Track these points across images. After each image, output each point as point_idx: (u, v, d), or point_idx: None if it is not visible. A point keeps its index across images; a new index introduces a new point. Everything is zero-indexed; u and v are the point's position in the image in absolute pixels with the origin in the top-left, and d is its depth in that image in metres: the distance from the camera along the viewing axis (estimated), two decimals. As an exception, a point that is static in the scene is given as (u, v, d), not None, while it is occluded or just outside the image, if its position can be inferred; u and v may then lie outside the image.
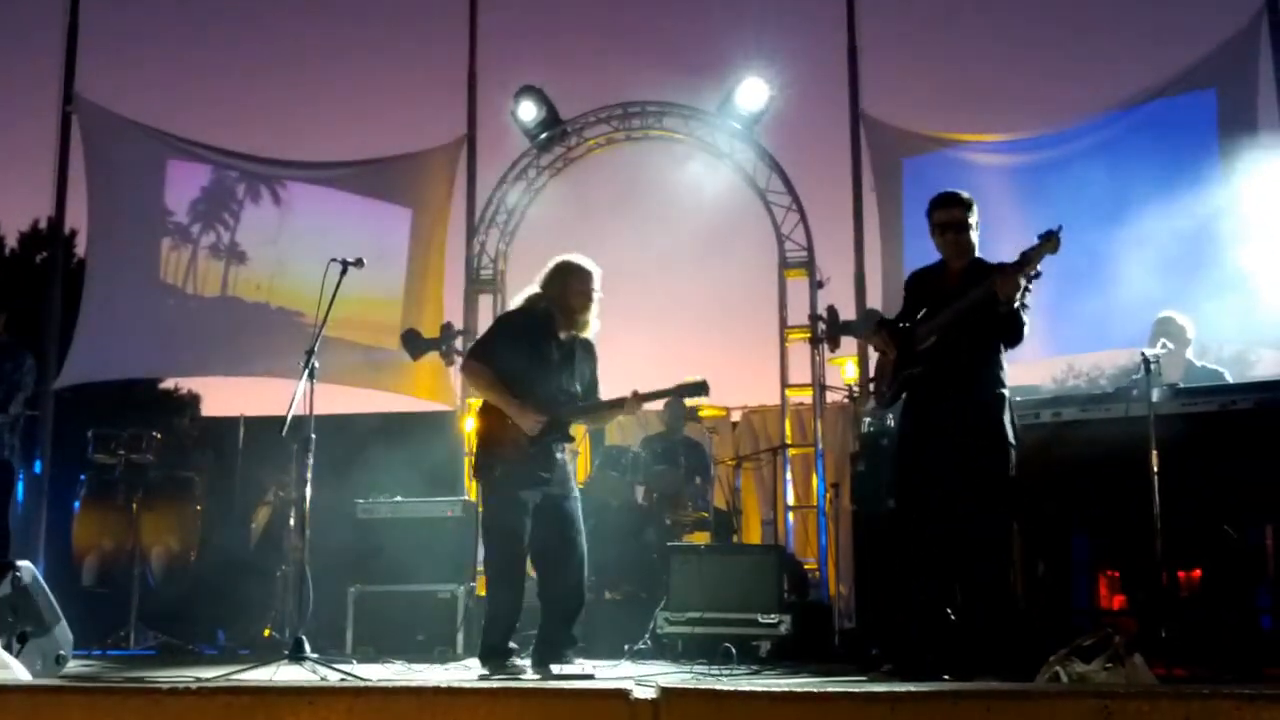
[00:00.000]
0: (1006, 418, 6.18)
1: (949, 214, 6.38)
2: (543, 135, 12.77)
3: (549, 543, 6.82)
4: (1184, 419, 6.55)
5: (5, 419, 8.76)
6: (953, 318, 6.17)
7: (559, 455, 6.87)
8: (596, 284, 6.98)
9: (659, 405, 11.68)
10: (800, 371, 12.02)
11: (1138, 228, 10.20)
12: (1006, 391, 6.26)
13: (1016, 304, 6.02)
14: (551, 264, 7.13)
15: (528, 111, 12.63)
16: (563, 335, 6.93)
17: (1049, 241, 5.93)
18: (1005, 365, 6.31)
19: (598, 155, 13.14)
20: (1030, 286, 6.15)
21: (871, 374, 7.03)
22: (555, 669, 6.57)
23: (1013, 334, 6.16)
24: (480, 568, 9.27)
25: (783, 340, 12.00)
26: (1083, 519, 6.90)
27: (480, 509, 6.96)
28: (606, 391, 7.03)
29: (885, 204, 11.65)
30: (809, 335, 11.44)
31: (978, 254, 6.41)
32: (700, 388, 6.88)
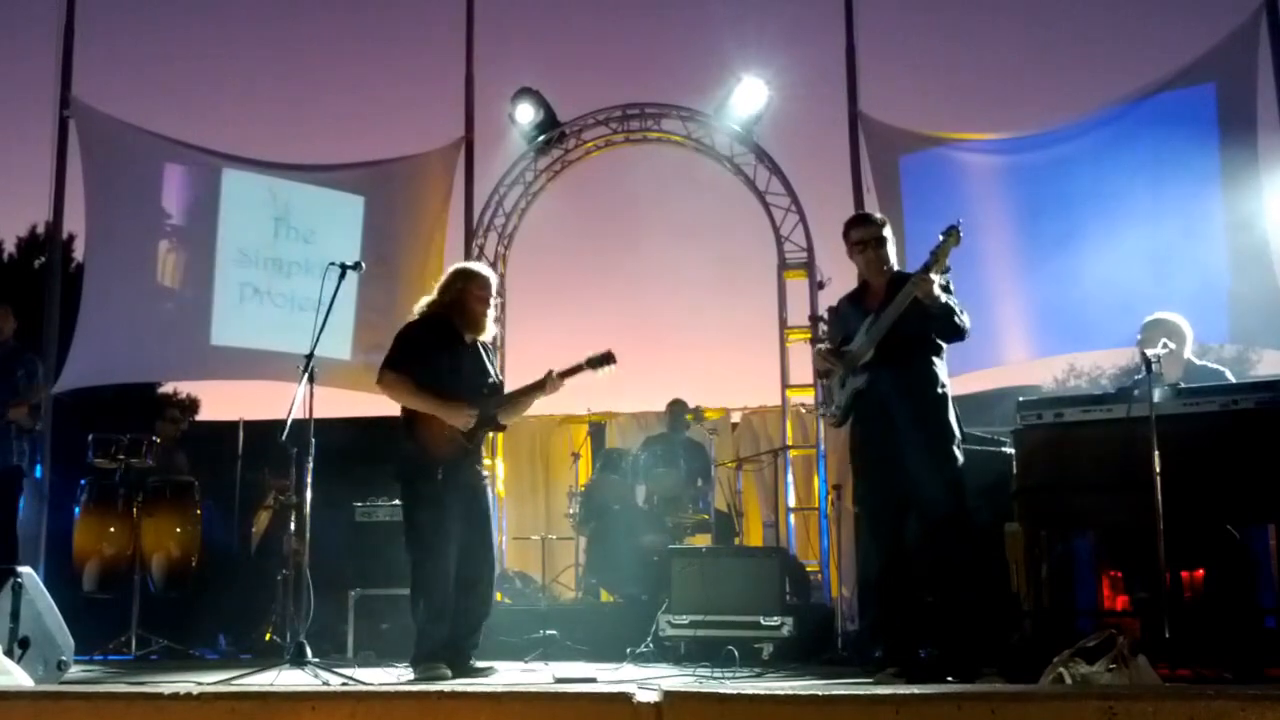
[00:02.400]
0: (950, 415, 6.57)
1: (866, 231, 6.83)
2: (541, 138, 12.78)
3: (469, 549, 6.89)
4: (1186, 419, 6.53)
5: (31, 424, 8.85)
6: (887, 325, 6.51)
7: (480, 474, 7.14)
8: (493, 289, 7.23)
9: (660, 408, 11.73)
10: (801, 372, 12.02)
11: (1136, 224, 10.20)
12: (947, 390, 6.63)
13: (943, 300, 6.42)
14: (450, 271, 7.39)
15: (526, 114, 12.63)
16: (466, 338, 7.12)
17: (950, 236, 6.38)
18: (944, 366, 6.67)
19: (596, 157, 13.16)
20: (950, 285, 6.61)
21: (819, 396, 7.30)
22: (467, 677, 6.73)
23: (949, 328, 6.55)
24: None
25: (783, 341, 11.99)
26: (1085, 520, 6.89)
27: (409, 517, 6.94)
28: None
29: (884, 203, 11.62)
30: (809, 336, 11.43)
31: (894, 265, 6.85)
32: (607, 358, 7.07)
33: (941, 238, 6.36)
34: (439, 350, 6.97)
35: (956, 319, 6.46)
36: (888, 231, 6.80)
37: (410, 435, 6.89)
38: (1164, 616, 6.03)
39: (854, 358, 6.64)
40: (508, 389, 7.22)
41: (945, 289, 6.52)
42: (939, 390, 6.57)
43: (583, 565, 10.72)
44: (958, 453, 6.50)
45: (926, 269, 6.34)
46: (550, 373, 7.04)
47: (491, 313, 7.24)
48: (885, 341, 6.50)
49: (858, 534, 8.89)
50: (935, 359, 6.61)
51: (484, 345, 7.25)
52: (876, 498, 6.64)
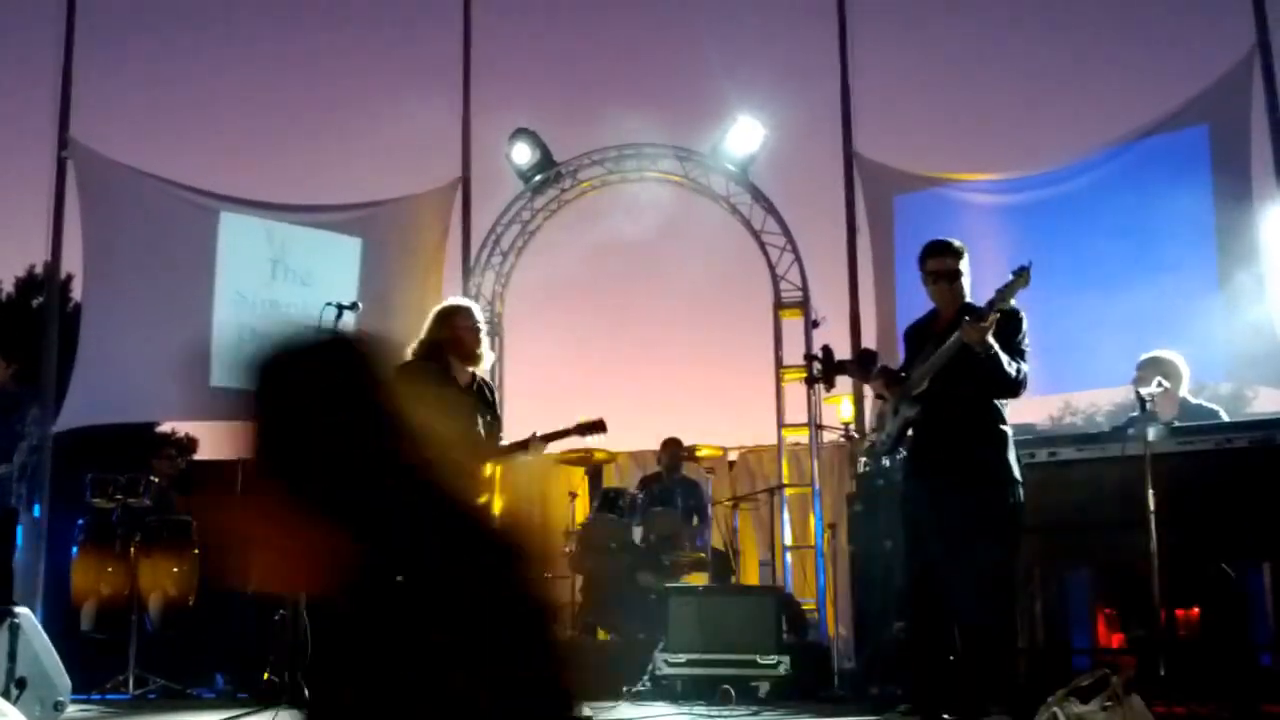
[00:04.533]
0: (1010, 455, 6.20)
1: (941, 263, 6.44)
2: (537, 177, 12.81)
3: None
4: (1180, 457, 6.55)
5: (7, 469, 8.78)
6: (939, 362, 6.21)
7: None
8: (479, 317, 7.10)
9: (655, 446, 11.73)
10: (796, 411, 12.04)
11: (1131, 264, 10.24)
12: (1007, 429, 6.26)
13: (993, 349, 6.03)
14: (431, 315, 7.24)
15: (522, 154, 12.68)
16: (462, 380, 7.00)
17: (1020, 277, 6.00)
18: (1005, 405, 6.31)
19: (592, 197, 13.19)
20: (1021, 325, 6.26)
21: (870, 422, 7.06)
22: None
23: (994, 380, 6.15)
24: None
25: (778, 380, 12.02)
26: (1080, 557, 6.90)
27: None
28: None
29: (878, 242, 11.69)
30: (804, 375, 11.44)
31: (969, 299, 6.42)
32: (597, 425, 7.09)
33: (1012, 277, 6.02)
34: (430, 399, 6.91)
35: (1003, 370, 6.08)
36: (964, 263, 6.44)
37: None
38: (1159, 654, 6.05)
39: (910, 386, 6.37)
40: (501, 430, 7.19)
41: (1014, 332, 6.24)
42: (997, 429, 6.22)
43: (579, 604, 10.70)
44: (1011, 497, 6.12)
45: (983, 313, 6.04)
46: (534, 435, 7.00)
47: (485, 340, 7.10)
48: (942, 377, 6.22)
49: (854, 572, 8.91)
50: (994, 400, 6.27)
51: (482, 384, 7.13)
52: (916, 536, 6.32)
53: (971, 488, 6.12)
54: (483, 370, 7.13)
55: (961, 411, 6.24)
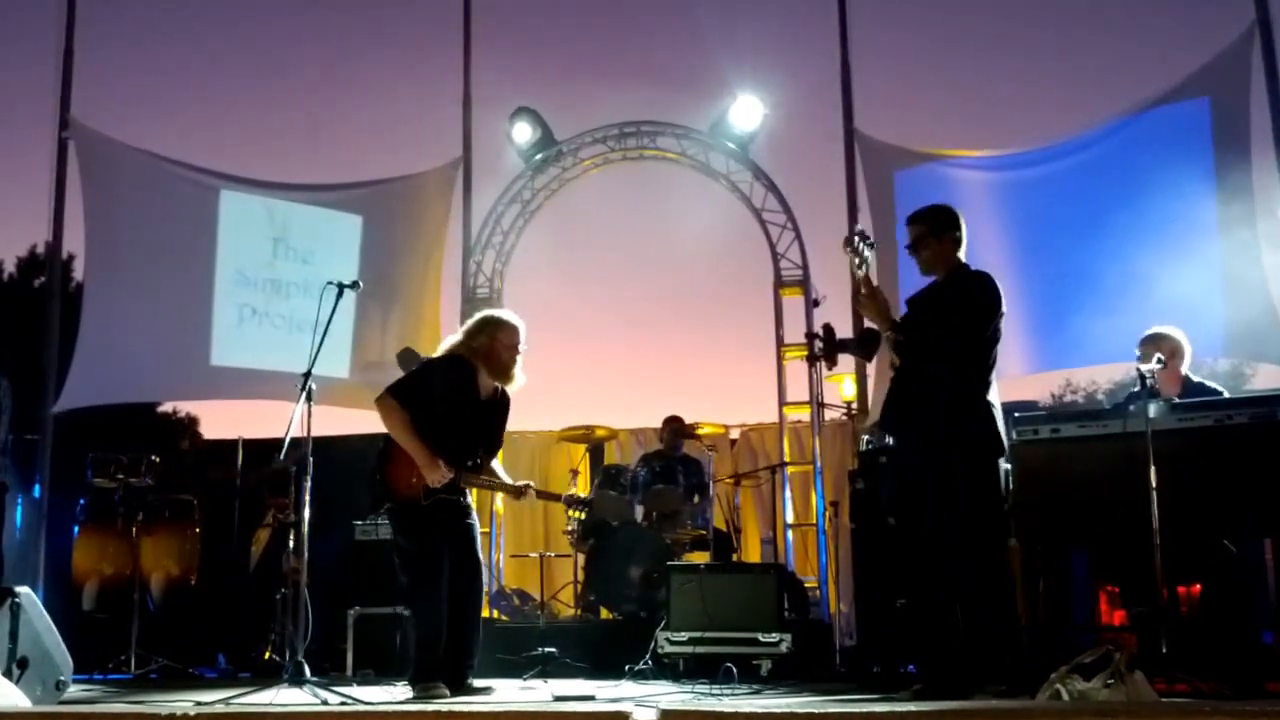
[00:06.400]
0: (975, 429, 6.20)
1: (908, 232, 6.54)
2: (538, 156, 12.79)
3: (454, 570, 6.84)
4: (1181, 434, 6.55)
5: None
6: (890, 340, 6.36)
7: (461, 500, 6.99)
8: (523, 339, 7.08)
9: (657, 424, 11.74)
10: (798, 389, 12.02)
11: (1131, 238, 10.21)
12: (973, 401, 6.25)
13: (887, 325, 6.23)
14: (477, 317, 7.29)
15: (523, 133, 12.66)
16: (484, 392, 7.01)
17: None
18: (974, 379, 6.28)
19: (593, 175, 13.16)
20: (959, 295, 6.32)
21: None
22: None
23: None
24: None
25: (779, 358, 11.99)
26: (1082, 535, 6.89)
27: (396, 540, 6.94)
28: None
29: (878, 219, 11.63)
30: (805, 353, 11.42)
31: (960, 264, 6.47)
32: (584, 503, 7.51)
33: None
34: (448, 398, 6.85)
35: (911, 345, 6.24)
36: (943, 230, 6.40)
37: (383, 462, 6.86)
38: (1161, 631, 6.04)
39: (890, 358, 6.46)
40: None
41: (946, 298, 6.32)
42: (963, 405, 6.19)
43: (581, 582, 10.71)
44: (978, 468, 6.17)
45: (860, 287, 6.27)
46: (529, 486, 7.08)
47: (520, 362, 7.07)
48: (899, 348, 6.29)
49: (855, 550, 8.91)
50: (958, 372, 6.21)
51: (502, 401, 7.13)
52: (901, 511, 6.55)
53: (935, 464, 6.18)
54: (512, 389, 7.10)
55: (921, 389, 6.27)
